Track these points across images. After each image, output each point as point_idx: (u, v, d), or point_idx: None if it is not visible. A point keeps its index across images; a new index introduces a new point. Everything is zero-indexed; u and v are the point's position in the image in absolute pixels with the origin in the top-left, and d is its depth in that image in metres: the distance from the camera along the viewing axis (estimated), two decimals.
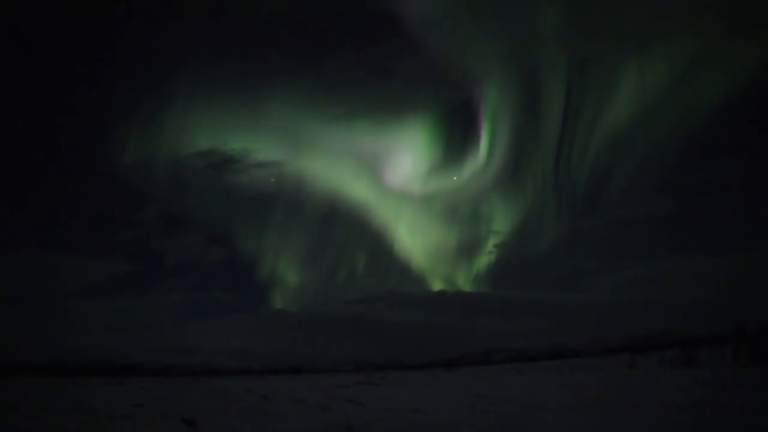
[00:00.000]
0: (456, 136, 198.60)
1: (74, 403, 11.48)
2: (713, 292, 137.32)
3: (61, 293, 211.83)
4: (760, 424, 6.65)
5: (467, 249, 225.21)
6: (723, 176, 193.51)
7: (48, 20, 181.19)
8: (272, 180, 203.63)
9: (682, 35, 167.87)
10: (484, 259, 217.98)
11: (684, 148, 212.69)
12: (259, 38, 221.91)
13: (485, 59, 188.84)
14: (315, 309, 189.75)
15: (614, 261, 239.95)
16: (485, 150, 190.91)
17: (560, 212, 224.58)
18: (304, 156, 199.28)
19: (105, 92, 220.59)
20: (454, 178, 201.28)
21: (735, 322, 23.52)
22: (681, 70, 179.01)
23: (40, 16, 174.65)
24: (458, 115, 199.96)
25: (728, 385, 10.41)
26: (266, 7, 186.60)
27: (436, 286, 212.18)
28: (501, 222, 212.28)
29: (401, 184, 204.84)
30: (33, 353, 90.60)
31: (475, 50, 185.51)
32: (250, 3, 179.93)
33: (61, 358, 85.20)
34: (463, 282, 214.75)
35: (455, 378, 23.80)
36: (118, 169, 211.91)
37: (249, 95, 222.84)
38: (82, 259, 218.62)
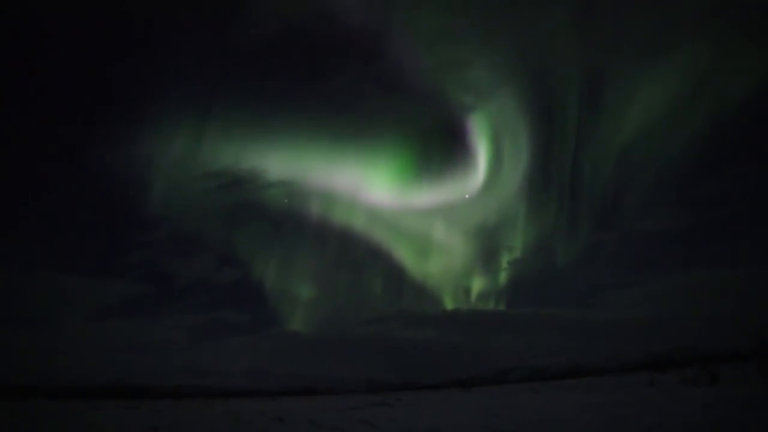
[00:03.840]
0: (467, 151, 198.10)
1: (88, 427, 11.49)
2: (734, 306, 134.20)
3: (74, 315, 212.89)
4: None
5: (481, 266, 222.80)
6: (741, 186, 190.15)
7: (56, 42, 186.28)
8: (285, 200, 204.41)
9: (693, 44, 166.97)
10: (499, 276, 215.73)
11: (701, 159, 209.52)
12: (266, 55, 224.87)
13: (494, 72, 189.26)
14: (328, 329, 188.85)
15: (632, 276, 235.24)
16: (498, 165, 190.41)
17: (576, 227, 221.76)
18: (315, 175, 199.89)
19: (115, 115, 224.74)
20: (467, 195, 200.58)
21: (757, 336, 22.96)
22: (694, 80, 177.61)
23: (46, 43, 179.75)
24: (469, 129, 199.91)
25: (752, 403, 10.11)
26: (272, 24, 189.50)
27: (450, 304, 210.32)
28: (515, 238, 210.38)
29: (413, 201, 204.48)
30: (46, 376, 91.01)
31: (484, 63, 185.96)
32: (256, 21, 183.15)
33: (74, 381, 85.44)
34: (478, 300, 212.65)
35: (471, 398, 23.43)
36: (127, 190, 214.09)
37: (258, 114, 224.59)
38: (94, 281, 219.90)
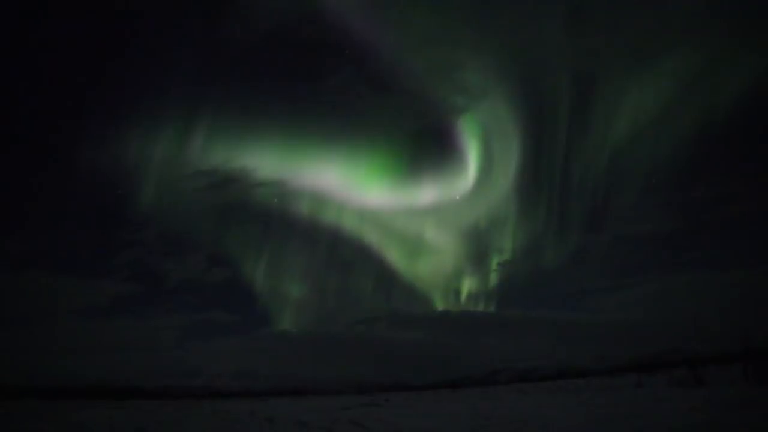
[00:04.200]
0: (458, 153, 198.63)
1: (75, 428, 11.37)
2: (721, 308, 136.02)
3: (62, 315, 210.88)
4: None
5: (471, 268, 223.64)
6: (730, 190, 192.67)
7: (43, 41, 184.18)
8: (275, 200, 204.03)
9: (684, 48, 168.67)
10: (489, 278, 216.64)
11: (691, 163, 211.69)
12: (258, 54, 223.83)
13: (486, 74, 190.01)
14: (318, 330, 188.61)
15: (620, 278, 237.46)
16: (489, 167, 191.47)
17: (566, 229, 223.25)
18: (305, 175, 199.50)
19: (103, 114, 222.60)
20: (457, 197, 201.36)
21: (743, 339, 23.18)
22: (685, 84, 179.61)
23: (33, 42, 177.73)
24: (460, 131, 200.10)
25: (738, 405, 10.23)
26: (264, 22, 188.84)
27: (440, 305, 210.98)
28: (505, 240, 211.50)
29: (404, 201, 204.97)
30: (33, 376, 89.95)
31: (476, 65, 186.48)
32: (247, 20, 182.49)
33: (62, 381, 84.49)
34: (468, 301, 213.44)
35: (460, 399, 23.51)
36: (116, 189, 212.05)
37: (248, 112, 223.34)
38: (83, 280, 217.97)
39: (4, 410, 19.06)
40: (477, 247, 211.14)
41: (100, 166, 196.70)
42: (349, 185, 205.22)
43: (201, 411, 19.09)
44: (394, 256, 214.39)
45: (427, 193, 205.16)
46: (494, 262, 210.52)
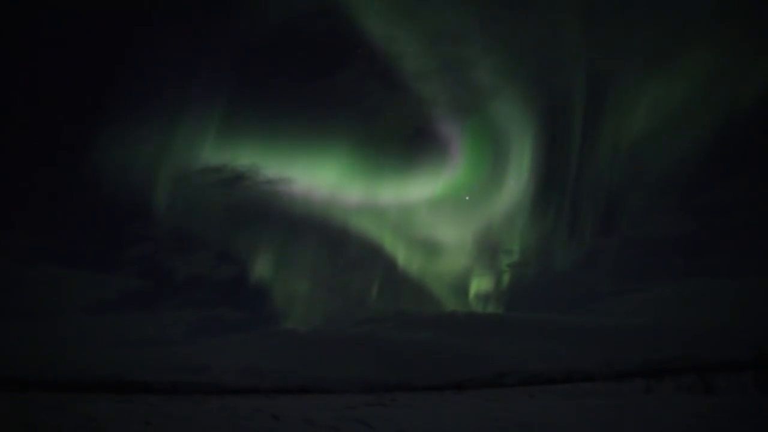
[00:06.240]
0: (469, 153, 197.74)
1: (83, 421, 11.49)
2: (732, 315, 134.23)
3: (71, 309, 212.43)
4: None
5: (480, 269, 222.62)
6: (743, 195, 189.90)
7: (61, 38, 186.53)
8: (284, 197, 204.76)
9: (699, 48, 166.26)
10: (498, 279, 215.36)
11: (705, 166, 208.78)
12: (269, 50, 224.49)
13: (499, 73, 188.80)
14: (325, 328, 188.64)
15: (630, 282, 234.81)
16: (500, 167, 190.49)
17: (577, 232, 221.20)
18: (314, 173, 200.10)
19: (113, 108, 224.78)
20: (467, 197, 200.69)
21: (754, 347, 22.94)
22: (700, 85, 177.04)
23: (50, 41, 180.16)
24: (473, 130, 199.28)
25: (748, 414, 10.11)
26: (276, 18, 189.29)
27: (448, 306, 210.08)
28: (515, 241, 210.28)
29: (411, 201, 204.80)
30: (42, 369, 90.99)
31: (489, 64, 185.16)
32: (259, 15, 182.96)
33: (71, 374, 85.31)
34: (475, 302, 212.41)
35: (466, 400, 23.43)
36: (128, 184, 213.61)
37: (258, 109, 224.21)
38: (92, 275, 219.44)
39: (13, 402, 19.31)
40: (487, 247, 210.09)
41: (113, 162, 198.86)
42: (358, 183, 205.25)
43: (207, 407, 19.21)
44: (403, 255, 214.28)
45: (436, 192, 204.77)
46: (504, 263, 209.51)
